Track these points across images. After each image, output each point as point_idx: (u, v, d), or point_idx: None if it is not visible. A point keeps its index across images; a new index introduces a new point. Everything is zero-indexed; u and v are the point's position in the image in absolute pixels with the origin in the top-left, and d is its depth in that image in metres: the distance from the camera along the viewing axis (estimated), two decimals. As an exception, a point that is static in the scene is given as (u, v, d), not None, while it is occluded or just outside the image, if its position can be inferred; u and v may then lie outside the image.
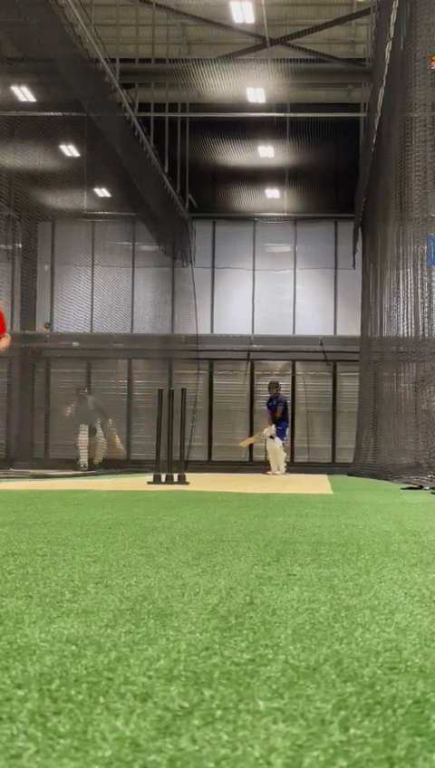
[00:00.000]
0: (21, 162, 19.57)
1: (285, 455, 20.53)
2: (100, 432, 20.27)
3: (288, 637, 1.62)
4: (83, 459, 19.88)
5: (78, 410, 20.47)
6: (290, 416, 21.24)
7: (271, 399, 20.45)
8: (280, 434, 20.20)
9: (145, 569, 2.54)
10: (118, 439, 20.81)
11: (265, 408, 20.92)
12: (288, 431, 21.16)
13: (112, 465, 20.21)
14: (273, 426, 20.19)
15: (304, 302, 28.23)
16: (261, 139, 27.03)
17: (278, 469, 19.85)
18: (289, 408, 21.45)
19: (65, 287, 26.08)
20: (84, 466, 19.39)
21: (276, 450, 20.07)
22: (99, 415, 20.61)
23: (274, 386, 20.85)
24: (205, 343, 27.84)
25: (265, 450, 21.55)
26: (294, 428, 26.64)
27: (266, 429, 20.50)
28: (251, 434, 21.43)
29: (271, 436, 20.14)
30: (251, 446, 26.86)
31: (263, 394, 27.29)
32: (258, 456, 25.61)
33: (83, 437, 20.08)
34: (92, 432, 20.13)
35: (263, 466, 20.72)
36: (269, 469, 20.14)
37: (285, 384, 28.08)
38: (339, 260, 27.92)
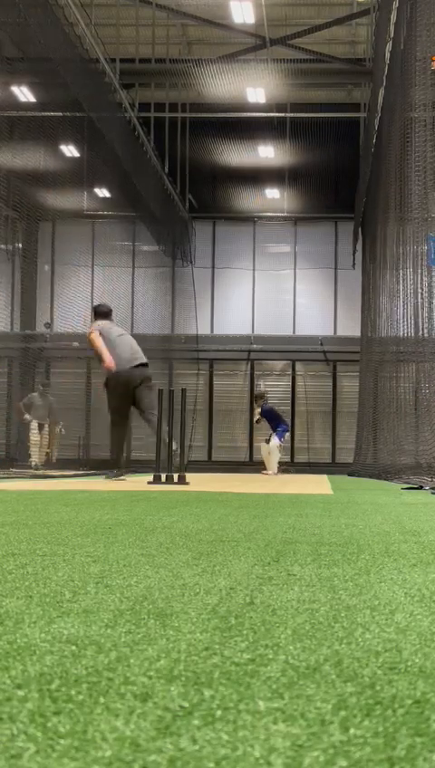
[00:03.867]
0: (21, 162, 19.57)
1: (279, 455, 20.62)
2: (46, 430, 20.16)
3: (288, 637, 1.62)
4: (35, 459, 19.73)
5: (34, 406, 20.31)
6: (280, 416, 21.19)
7: (262, 410, 20.59)
8: (279, 435, 20.30)
9: (145, 569, 2.54)
10: (54, 445, 20.66)
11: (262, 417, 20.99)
12: (287, 435, 21.26)
13: (67, 466, 19.87)
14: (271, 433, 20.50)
15: (304, 302, 28.24)
16: (261, 139, 27.04)
17: (270, 469, 19.96)
18: (278, 411, 21.44)
19: (65, 287, 26.07)
20: (36, 466, 19.18)
21: (272, 450, 20.18)
22: (49, 415, 20.49)
23: (258, 397, 21.08)
24: (205, 343, 27.85)
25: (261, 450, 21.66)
26: (294, 428, 26.65)
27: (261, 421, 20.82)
28: (251, 433, 21.46)
29: (267, 440, 20.39)
30: (251, 445, 26.90)
31: (263, 394, 27.32)
32: (258, 456, 25.64)
33: (35, 437, 19.94)
34: (40, 428, 20.02)
35: (262, 467, 20.76)
36: (265, 469, 20.27)
37: (284, 384, 28.10)
38: (339, 260, 27.94)
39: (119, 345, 11.63)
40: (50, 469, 18.51)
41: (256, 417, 20.79)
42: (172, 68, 21.84)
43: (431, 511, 6.02)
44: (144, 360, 11.79)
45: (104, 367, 11.50)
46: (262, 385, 27.77)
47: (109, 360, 11.40)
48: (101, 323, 11.97)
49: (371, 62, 20.16)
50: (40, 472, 17.03)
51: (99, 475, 11.96)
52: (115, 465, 11.99)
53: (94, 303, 13.23)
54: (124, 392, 11.64)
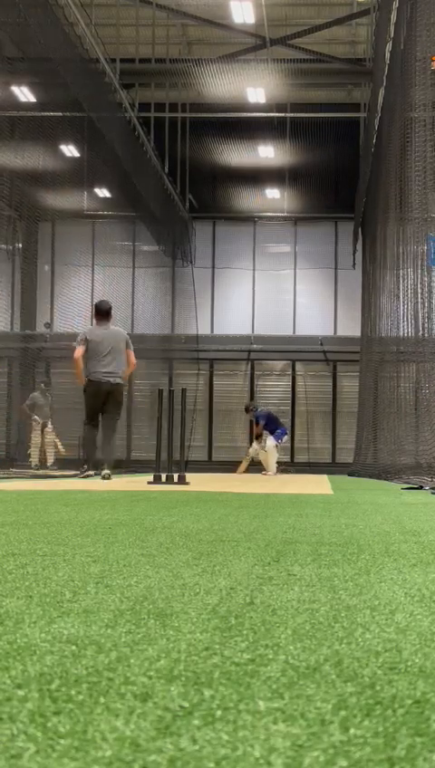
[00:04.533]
0: (21, 162, 19.57)
1: (277, 455, 20.62)
2: (49, 428, 20.16)
3: (288, 637, 1.62)
4: (35, 459, 19.73)
5: (37, 406, 20.31)
6: (277, 419, 21.14)
7: (256, 418, 20.58)
8: (277, 437, 20.29)
9: (145, 569, 2.54)
10: (59, 441, 20.68)
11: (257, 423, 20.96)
12: (286, 438, 21.31)
13: (66, 466, 19.89)
14: (254, 443, 20.73)
15: (304, 301, 28.23)
16: (261, 139, 27.03)
17: (269, 469, 19.96)
18: (275, 414, 21.37)
19: (65, 287, 26.07)
20: (36, 466, 19.18)
21: (269, 450, 20.19)
22: (49, 413, 20.54)
23: (247, 409, 21.18)
24: (205, 343, 27.84)
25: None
26: (294, 428, 26.66)
27: (251, 449, 20.87)
28: (251, 434, 21.47)
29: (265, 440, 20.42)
30: (252, 446, 26.88)
31: (263, 394, 27.32)
32: (257, 457, 25.63)
33: (36, 437, 19.94)
34: (43, 427, 20.03)
35: (262, 467, 20.78)
36: (265, 470, 20.29)
37: (284, 384, 28.09)
38: (339, 260, 27.92)
39: (98, 356, 12.03)
40: (50, 469, 18.53)
41: (257, 440, 20.69)
42: (172, 68, 21.84)
43: (431, 511, 6.02)
44: (118, 380, 12.18)
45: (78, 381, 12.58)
46: (257, 384, 27.81)
47: (81, 380, 12.39)
48: (90, 330, 12.28)
49: (371, 62, 20.16)
50: (40, 472, 17.04)
51: (98, 474, 11.98)
52: (85, 462, 12.29)
53: (95, 302, 13.35)
54: (96, 397, 11.98)
